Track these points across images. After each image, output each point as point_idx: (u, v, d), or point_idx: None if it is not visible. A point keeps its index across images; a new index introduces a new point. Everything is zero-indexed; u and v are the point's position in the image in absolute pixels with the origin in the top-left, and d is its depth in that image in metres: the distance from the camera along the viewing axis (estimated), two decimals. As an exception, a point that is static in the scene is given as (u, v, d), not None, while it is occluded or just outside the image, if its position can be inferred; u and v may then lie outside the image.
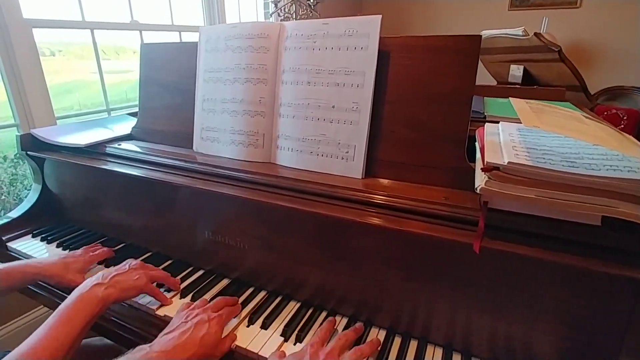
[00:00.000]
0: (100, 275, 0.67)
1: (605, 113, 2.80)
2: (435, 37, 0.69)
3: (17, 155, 1.53)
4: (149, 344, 0.57)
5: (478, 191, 0.53)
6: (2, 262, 0.94)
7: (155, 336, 0.60)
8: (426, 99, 0.69)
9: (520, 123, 0.62)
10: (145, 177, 0.83)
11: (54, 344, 0.55)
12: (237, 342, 0.64)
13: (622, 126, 2.76)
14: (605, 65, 2.95)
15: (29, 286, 0.82)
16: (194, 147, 0.93)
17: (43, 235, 0.98)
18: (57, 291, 0.81)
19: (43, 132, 1.03)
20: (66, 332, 0.56)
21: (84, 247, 0.88)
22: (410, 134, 0.71)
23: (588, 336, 0.53)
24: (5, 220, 0.99)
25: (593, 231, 0.51)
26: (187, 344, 0.57)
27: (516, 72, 1.56)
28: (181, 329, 0.59)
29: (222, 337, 0.62)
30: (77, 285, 0.64)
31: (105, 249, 0.88)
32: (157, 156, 0.89)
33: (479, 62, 0.68)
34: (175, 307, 0.71)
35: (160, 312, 0.71)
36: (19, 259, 0.93)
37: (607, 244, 0.51)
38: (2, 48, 1.35)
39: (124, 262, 0.74)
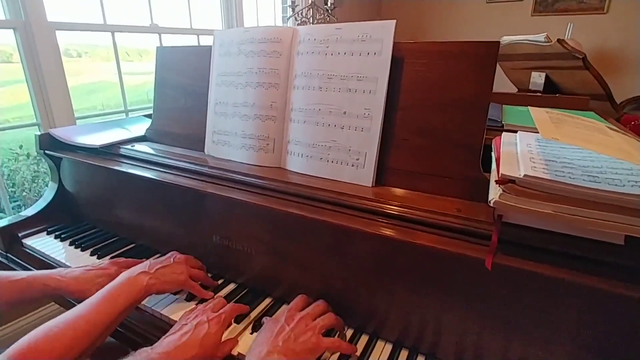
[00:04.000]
0: (147, 264, 0.70)
1: (633, 123, 2.69)
2: (451, 43, 0.67)
3: (39, 153, 1.58)
4: (150, 347, 0.57)
5: (492, 205, 0.51)
6: (19, 258, 0.97)
7: (158, 337, 0.60)
8: (441, 106, 0.67)
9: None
10: (157, 179, 0.84)
11: (95, 317, 0.58)
12: (239, 349, 0.63)
13: (650, 137, 2.64)
14: (632, 73, 2.84)
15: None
16: (205, 150, 0.93)
17: (57, 233, 0.99)
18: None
19: (61, 132, 1.05)
20: (108, 309, 0.60)
21: (113, 260, 0.82)
22: (423, 142, 0.69)
23: (607, 362, 0.50)
24: (21, 218, 1.01)
25: (615, 250, 0.48)
26: (187, 345, 0.57)
27: (537, 79, 1.51)
28: (182, 330, 0.60)
29: (224, 339, 0.62)
30: None
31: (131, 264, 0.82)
32: (169, 158, 0.89)
33: (499, 68, 0.66)
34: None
35: (165, 312, 0.71)
36: (33, 255, 0.95)
37: (630, 264, 0.48)
38: (26, 50, 1.40)
39: (169, 255, 0.76)
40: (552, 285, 0.50)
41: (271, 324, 0.61)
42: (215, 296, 0.75)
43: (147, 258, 0.88)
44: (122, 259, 0.83)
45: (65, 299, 0.81)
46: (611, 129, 0.66)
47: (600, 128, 0.65)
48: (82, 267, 0.76)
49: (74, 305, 0.73)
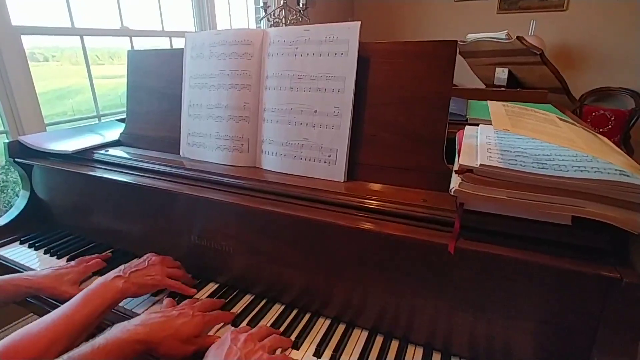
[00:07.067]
0: (122, 268, 0.72)
1: (593, 114, 2.84)
2: (413, 42, 0.70)
3: (8, 162, 1.54)
4: (128, 321, 0.60)
5: (452, 193, 0.54)
6: (-10, 269, 0.95)
7: None
8: (405, 102, 0.71)
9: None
10: (132, 182, 0.84)
11: (73, 318, 0.60)
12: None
13: (610, 127, 2.80)
14: (592, 67, 2.99)
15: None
16: (180, 153, 0.94)
17: (31, 242, 0.98)
18: (50, 300, 0.80)
19: (31, 139, 1.03)
20: (85, 312, 0.62)
21: (80, 258, 0.85)
22: (391, 137, 0.72)
23: (562, 333, 0.54)
24: (-8, 228, 0.99)
25: (564, 230, 0.53)
26: (164, 324, 0.60)
27: (501, 74, 1.59)
28: (164, 313, 0.62)
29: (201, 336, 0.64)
30: (71, 297, 0.65)
31: (99, 259, 0.86)
32: (144, 162, 0.90)
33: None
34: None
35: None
36: (7, 266, 0.93)
37: (577, 242, 0.52)
38: (-10, 55, 1.36)
39: (145, 257, 0.77)
40: (510, 265, 0.54)
41: (217, 347, 0.58)
42: (199, 298, 0.76)
43: (125, 262, 0.88)
44: (87, 257, 0.86)
45: (43, 308, 0.81)
46: (562, 120, 0.71)
47: (551, 119, 0.70)
48: (50, 267, 0.80)
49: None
